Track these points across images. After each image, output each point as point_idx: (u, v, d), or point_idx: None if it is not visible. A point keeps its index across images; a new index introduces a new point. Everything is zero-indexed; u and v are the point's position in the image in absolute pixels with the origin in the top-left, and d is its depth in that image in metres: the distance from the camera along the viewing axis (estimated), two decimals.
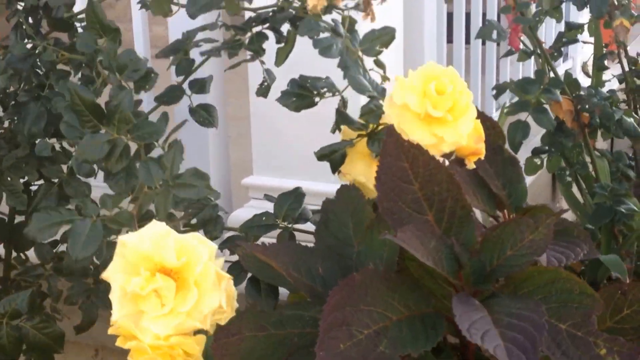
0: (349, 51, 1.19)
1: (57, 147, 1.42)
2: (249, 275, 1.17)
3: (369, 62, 1.23)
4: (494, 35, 1.67)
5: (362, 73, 1.19)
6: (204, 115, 1.36)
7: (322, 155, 1.19)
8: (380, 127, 1.16)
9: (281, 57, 1.32)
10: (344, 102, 1.24)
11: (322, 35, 1.18)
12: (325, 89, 1.22)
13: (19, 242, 1.44)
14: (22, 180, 1.40)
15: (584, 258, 1.08)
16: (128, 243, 0.92)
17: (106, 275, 0.94)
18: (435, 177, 0.95)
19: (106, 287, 1.31)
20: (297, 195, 1.27)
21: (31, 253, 1.43)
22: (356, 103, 1.24)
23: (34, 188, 1.42)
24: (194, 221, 1.27)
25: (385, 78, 1.24)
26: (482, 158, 1.12)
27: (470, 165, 1.14)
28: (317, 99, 1.22)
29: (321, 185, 1.51)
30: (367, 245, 1.03)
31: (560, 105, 1.74)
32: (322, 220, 1.07)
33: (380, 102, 1.17)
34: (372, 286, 0.88)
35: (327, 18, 1.23)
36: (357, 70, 1.18)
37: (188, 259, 0.91)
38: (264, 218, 1.26)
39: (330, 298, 0.85)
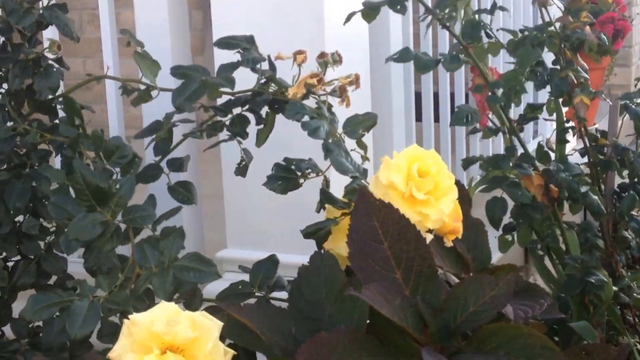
0: (331, 133, 1.25)
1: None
2: (227, 342, 1.19)
3: (350, 142, 1.29)
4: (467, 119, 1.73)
5: (344, 155, 1.24)
6: (183, 193, 1.41)
7: (308, 233, 1.24)
8: None
9: (261, 138, 1.38)
10: (326, 182, 1.29)
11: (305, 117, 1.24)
12: (309, 170, 1.27)
13: None
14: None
15: (549, 317, 1.11)
16: (138, 322, 0.93)
17: (114, 354, 0.94)
18: (405, 235, 1.00)
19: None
20: (271, 262, 1.30)
21: (7, 328, 1.44)
22: (337, 181, 1.29)
23: (10, 264, 1.44)
24: (175, 296, 1.30)
25: (365, 158, 1.30)
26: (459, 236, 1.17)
27: (448, 243, 1.18)
28: (301, 180, 1.27)
29: (293, 257, 1.54)
30: (339, 307, 1.06)
31: (532, 180, 1.79)
32: (296, 285, 1.11)
33: (363, 181, 1.23)
34: (340, 344, 0.91)
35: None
36: (340, 152, 1.24)
37: (200, 335, 0.93)
38: (240, 287, 1.29)
39: (299, 355, 0.88)
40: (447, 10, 1.61)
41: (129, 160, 1.33)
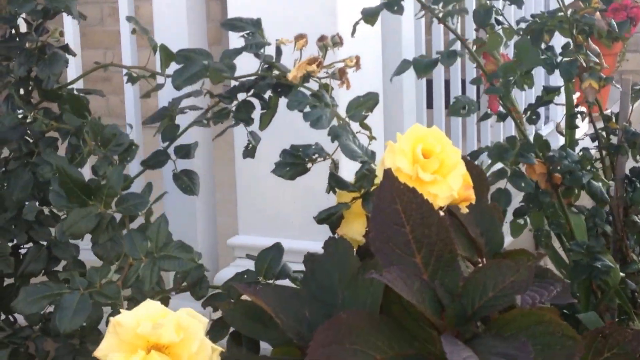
0: (337, 118, 1.24)
1: (46, 211, 1.45)
2: (231, 330, 1.20)
3: (354, 124, 1.28)
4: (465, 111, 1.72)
5: (351, 139, 1.23)
6: (186, 182, 1.40)
7: (321, 219, 1.23)
8: (373, 188, 1.20)
9: (265, 121, 1.38)
10: (335, 165, 1.28)
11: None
12: (316, 155, 1.27)
13: (7, 305, 1.45)
14: (11, 244, 1.42)
15: (560, 302, 1.10)
16: (123, 323, 0.93)
17: (100, 354, 0.95)
18: (427, 220, 0.99)
19: (92, 348, 1.32)
20: (276, 250, 1.29)
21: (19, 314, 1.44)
22: (346, 162, 1.28)
23: (22, 251, 1.44)
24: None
25: (371, 137, 1.29)
26: (473, 202, 1.16)
27: (463, 209, 1.18)
28: (309, 165, 1.26)
29: (305, 243, 1.53)
30: (352, 291, 1.05)
31: (534, 169, 1.79)
32: (309, 269, 1.10)
33: (372, 165, 1.22)
34: (357, 326, 0.91)
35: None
36: (347, 136, 1.23)
37: (185, 337, 0.93)
38: (245, 276, 1.28)
39: (316, 335, 0.87)
40: (440, 5, 1.59)
41: (125, 148, 1.33)
